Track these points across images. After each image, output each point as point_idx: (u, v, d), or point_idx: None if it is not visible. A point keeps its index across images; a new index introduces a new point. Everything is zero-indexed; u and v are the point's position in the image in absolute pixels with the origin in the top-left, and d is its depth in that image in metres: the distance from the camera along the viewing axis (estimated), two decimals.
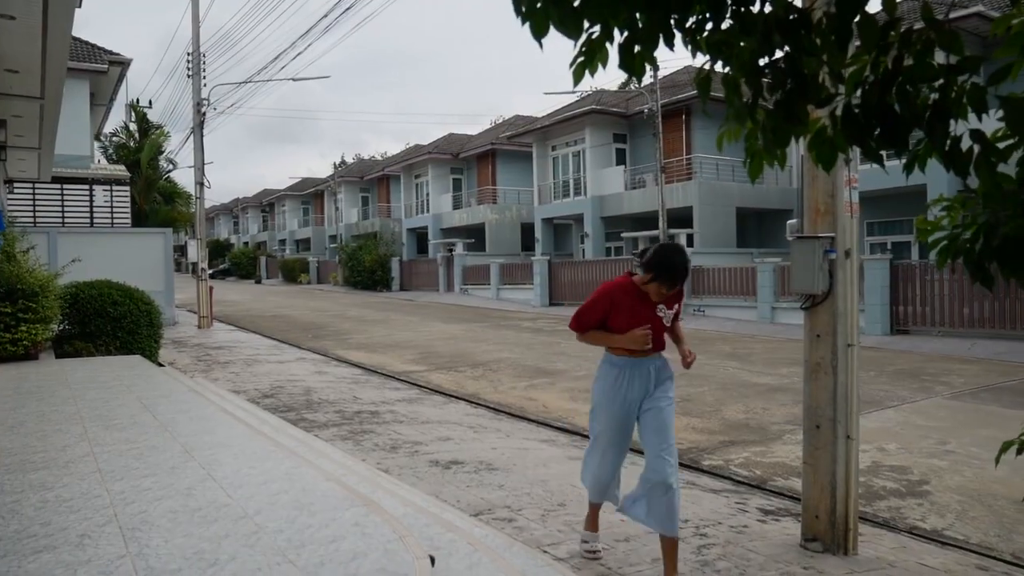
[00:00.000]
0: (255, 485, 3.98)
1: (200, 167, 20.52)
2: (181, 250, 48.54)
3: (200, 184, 20.56)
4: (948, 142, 1.75)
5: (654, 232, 22.97)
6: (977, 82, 1.70)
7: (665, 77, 25.95)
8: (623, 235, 26.94)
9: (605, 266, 24.97)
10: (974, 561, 4.21)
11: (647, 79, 24.42)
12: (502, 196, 37.06)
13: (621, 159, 29.32)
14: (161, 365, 11.03)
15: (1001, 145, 1.74)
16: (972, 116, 1.74)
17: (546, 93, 56.03)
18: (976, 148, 1.70)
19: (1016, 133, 1.67)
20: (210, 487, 3.94)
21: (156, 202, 33.08)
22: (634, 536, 4.36)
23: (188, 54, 21.46)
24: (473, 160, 39.30)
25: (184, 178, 66.64)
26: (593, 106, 28.22)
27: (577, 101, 30.24)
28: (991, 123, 1.77)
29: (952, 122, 1.75)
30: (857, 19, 1.64)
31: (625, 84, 36.12)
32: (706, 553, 4.15)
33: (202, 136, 20.71)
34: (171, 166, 34.25)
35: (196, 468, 4.34)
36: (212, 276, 34.91)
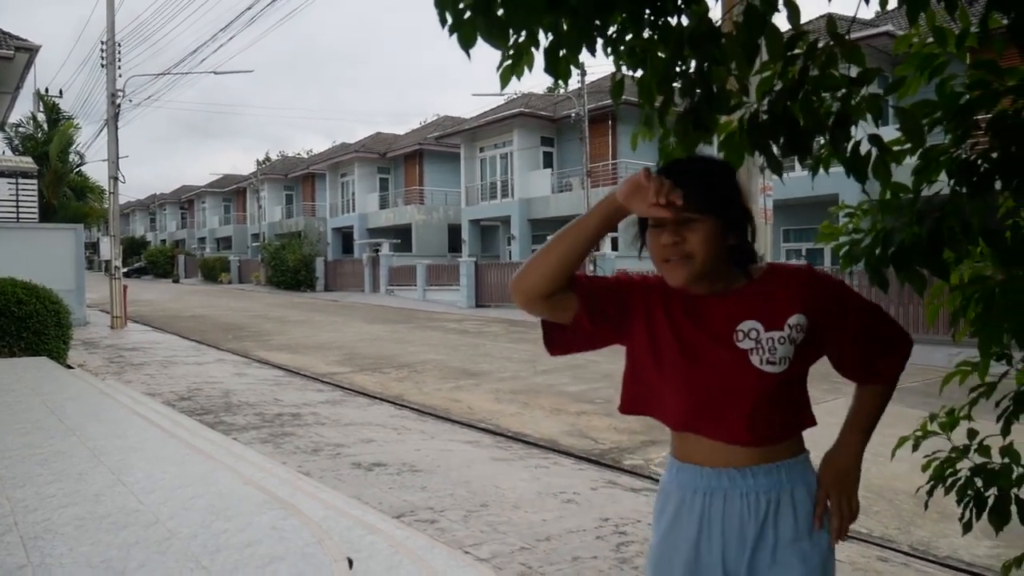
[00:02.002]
0: (168, 490, 3.87)
1: (114, 161, 19.75)
2: (94, 247, 46.51)
3: (114, 179, 19.79)
4: (849, 148, 1.85)
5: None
6: (876, 92, 1.80)
7: (592, 83, 26.30)
8: (549, 238, 27.11)
9: None
10: (876, 553, 4.42)
11: (575, 84, 24.73)
12: (429, 197, 36.88)
13: (548, 162, 29.57)
14: (70, 367, 10.57)
15: (896, 148, 1.85)
16: (869, 123, 1.84)
17: (474, 95, 56.18)
18: (874, 151, 1.79)
19: (911, 141, 1.77)
20: (120, 492, 3.80)
21: (66, 197, 31.62)
22: (555, 535, 4.41)
23: (102, 43, 20.64)
24: (400, 160, 38.99)
25: (97, 172, 63.98)
26: (522, 109, 28.39)
27: (506, 103, 30.38)
28: (889, 133, 1.87)
29: (853, 129, 1.85)
30: (765, 31, 1.71)
31: (554, 88, 36.50)
32: (624, 550, 4.23)
33: (117, 129, 19.94)
34: (80, 159, 32.71)
35: (105, 473, 4.18)
36: (127, 275, 33.50)
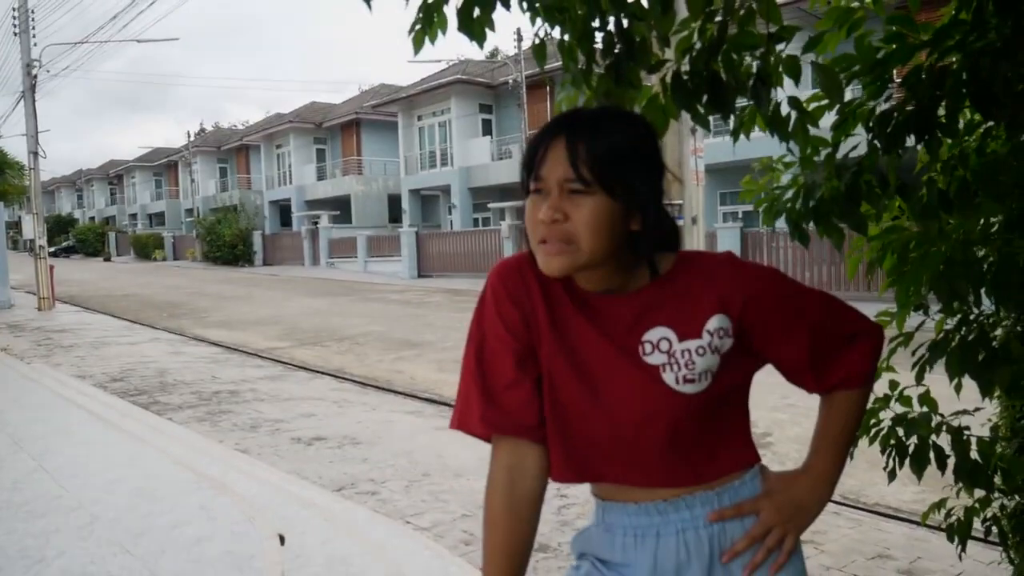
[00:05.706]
0: (92, 474, 3.74)
1: (33, 135, 18.86)
2: (16, 227, 44.61)
3: (34, 153, 18.91)
4: (771, 109, 1.84)
5: (521, 203, 23.15)
6: (793, 55, 1.79)
7: (529, 48, 26.09)
8: (490, 206, 27.04)
9: (474, 237, 25.00)
10: None
11: (512, 50, 24.49)
12: (368, 167, 36.25)
13: (487, 130, 29.33)
14: None
15: (812, 105, 1.84)
16: (790, 84, 1.83)
17: (410, 61, 55.00)
18: (793, 113, 1.78)
19: (829, 97, 1.77)
20: (40, 479, 3.66)
21: None
22: None
23: (14, 9, 19.58)
24: (337, 129, 38.16)
25: (16, 147, 60.95)
26: (459, 76, 28.02)
27: (443, 70, 29.93)
28: (808, 93, 1.87)
29: (774, 90, 1.84)
30: None
31: (494, 55, 36.10)
32: (565, 513, 4.27)
33: (34, 101, 19.03)
34: None
35: (25, 460, 4.02)
36: (55, 254, 32.24)
